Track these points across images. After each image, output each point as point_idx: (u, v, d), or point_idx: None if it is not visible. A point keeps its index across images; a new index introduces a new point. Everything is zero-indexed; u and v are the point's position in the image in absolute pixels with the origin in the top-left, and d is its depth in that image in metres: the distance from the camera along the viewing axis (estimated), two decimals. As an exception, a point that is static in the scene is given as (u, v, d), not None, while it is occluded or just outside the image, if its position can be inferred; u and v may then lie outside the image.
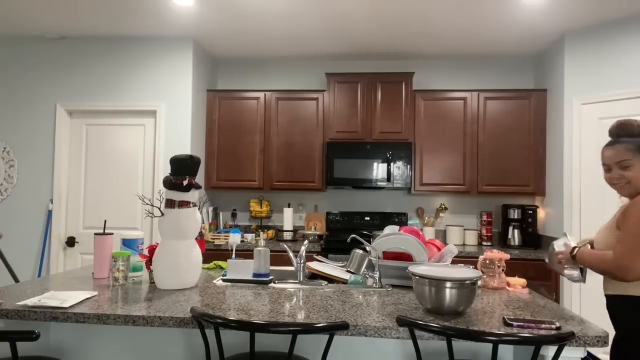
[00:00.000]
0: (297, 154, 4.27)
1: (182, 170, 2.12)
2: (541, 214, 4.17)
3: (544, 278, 3.66)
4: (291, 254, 2.34)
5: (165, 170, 4.02)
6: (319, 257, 2.69)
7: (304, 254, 2.31)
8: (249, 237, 4.17)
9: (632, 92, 3.39)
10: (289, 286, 2.20)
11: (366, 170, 4.12)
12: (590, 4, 3.26)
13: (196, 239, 2.21)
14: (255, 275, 2.26)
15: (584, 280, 1.88)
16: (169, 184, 2.12)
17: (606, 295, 1.88)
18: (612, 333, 1.85)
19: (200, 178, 4.24)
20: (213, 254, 3.88)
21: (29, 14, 3.62)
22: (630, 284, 1.75)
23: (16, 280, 3.23)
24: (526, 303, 1.94)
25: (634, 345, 1.72)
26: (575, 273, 1.88)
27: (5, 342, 1.46)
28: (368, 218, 4.44)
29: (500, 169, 4.09)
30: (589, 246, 1.96)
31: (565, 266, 1.88)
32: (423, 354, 1.92)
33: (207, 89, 4.44)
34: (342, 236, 4.12)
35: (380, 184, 4.10)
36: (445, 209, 4.37)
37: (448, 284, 1.66)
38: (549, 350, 1.50)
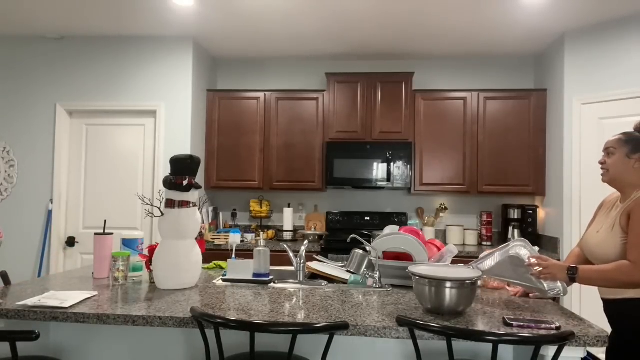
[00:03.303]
0: (297, 154, 4.27)
1: (182, 170, 2.12)
2: (541, 214, 4.17)
3: (544, 278, 3.66)
4: (291, 254, 2.34)
5: (165, 170, 4.02)
6: (319, 257, 2.69)
7: (304, 254, 2.31)
8: (249, 237, 4.17)
9: (632, 92, 3.39)
10: (289, 286, 2.20)
11: (366, 170, 4.11)
12: (590, 4, 3.26)
13: (196, 239, 2.21)
14: (255, 275, 2.26)
15: (566, 292, 1.83)
16: (169, 184, 2.12)
17: (605, 300, 1.87)
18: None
19: (200, 178, 4.24)
20: (213, 254, 3.88)
21: (29, 14, 3.62)
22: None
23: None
24: (526, 303, 1.94)
25: (636, 347, 1.73)
26: (558, 285, 1.80)
27: (5, 342, 1.46)
28: (368, 218, 4.44)
29: (500, 169, 4.09)
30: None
31: (542, 277, 1.80)
32: (423, 354, 1.92)
33: (207, 89, 4.44)
34: (342, 236, 4.12)
35: (380, 184, 4.10)
36: (445, 209, 4.37)
37: (448, 284, 1.66)
38: (549, 350, 1.50)
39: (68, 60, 4.12)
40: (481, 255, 2.02)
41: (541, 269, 1.80)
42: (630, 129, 2.03)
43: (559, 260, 3.67)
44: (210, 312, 1.69)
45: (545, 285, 1.82)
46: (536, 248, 1.92)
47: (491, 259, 1.97)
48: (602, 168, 1.90)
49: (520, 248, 1.89)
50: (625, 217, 1.76)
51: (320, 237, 4.17)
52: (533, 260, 1.83)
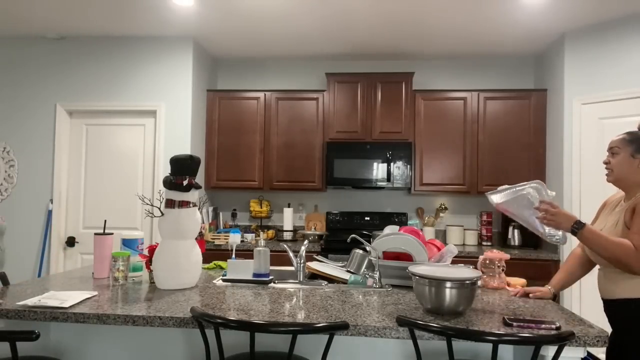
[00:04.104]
0: (297, 154, 4.27)
1: (182, 170, 2.12)
2: (541, 214, 4.16)
3: (544, 278, 3.65)
4: (291, 254, 2.34)
5: (165, 170, 4.02)
6: (319, 257, 2.69)
7: (304, 254, 2.31)
8: (249, 237, 4.17)
9: (632, 92, 3.39)
10: (289, 286, 2.20)
11: (366, 170, 4.11)
12: (590, 4, 3.26)
13: (196, 239, 2.21)
14: (255, 275, 2.26)
15: (565, 242, 1.81)
16: (169, 184, 2.12)
17: (605, 300, 1.87)
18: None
19: (200, 178, 4.24)
20: (213, 254, 3.88)
21: (29, 14, 3.62)
22: (632, 287, 1.75)
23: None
24: (526, 303, 1.94)
25: (636, 347, 1.73)
26: (559, 233, 1.80)
27: (5, 342, 1.46)
28: (368, 218, 4.44)
29: (500, 168, 4.09)
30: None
31: (545, 222, 1.78)
32: (423, 354, 1.92)
33: (207, 89, 4.44)
34: (342, 236, 4.12)
35: (380, 184, 4.10)
36: (445, 209, 4.37)
37: (448, 284, 1.66)
38: (549, 350, 1.49)
39: (68, 60, 4.12)
40: (499, 188, 1.99)
41: (547, 215, 1.77)
42: (631, 128, 2.04)
43: (559, 260, 3.67)
44: (210, 312, 1.69)
45: (547, 230, 1.82)
46: (552, 193, 1.89)
47: (504, 194, 1.94)
48: (606, 168, 1.89)
49: (534, 190, 1.88)
50: (629, 212, 1.76)
51: (320, 237, 4.17)
52: (543, 205, 1.80)
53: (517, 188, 1.92)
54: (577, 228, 1.72)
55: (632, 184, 1.83)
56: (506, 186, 1.98)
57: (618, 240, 1.70)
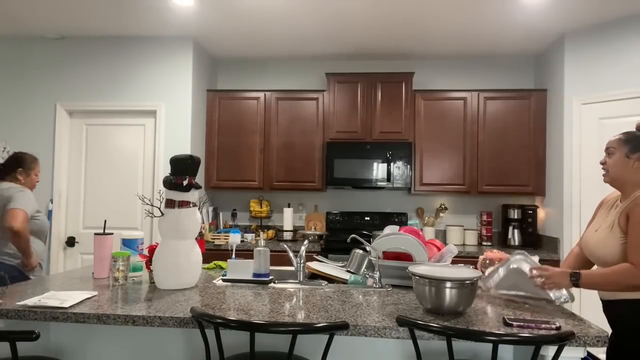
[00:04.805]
0: (297, 154, 4.27)
1: (182, 170, 2.12)
2: (541, 214, 4.17)
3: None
4: (291, 254, 2.34)
5: (165, 170, 4.02)
6: (319, 257, 2.69)
7: (304, 254, 2.31)
8: (249, 237, 4.17)
9: (632, 92, 3.39)
10: (289, 286, 2.20)
11: (366, 170, 4.11)
12: (590, 4, 3.26)
13: (196, 239, 2.21)
14: (255, 275, 2.26)
15: (573, 299, 1.81)
16: (169, 184, 2.12)
17: (604, 301, 1.87)
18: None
19: (200, 178, 4.24)
20: (213, 254, 3.88)
21: (29, 14, 3.62)
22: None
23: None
24: (526, 303, 1.93)
25: (636, 347, 1.73)
26: (564, 293, 1.80)
27: (5, 342, 1.46)
28: (368, 218, 4.44)
29: (500, 169, 4.09)
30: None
31: (545, 287, 1.79)
32: (423, 354, 1.92)
33: (207, 89, 4.43)
34: (342, 236, 4.12)
35: (380, 184, 4.10)
36: (445, 209, 4.37)
37: (448, 284, 1.66)
38: (549, 350, 1.50)
39: (68, 60, 4.12)
40: (487, 272, 2.03)
41: (544, 279, 1.78)
42: (630, 128, 2.04)
43: (559, 260, 3.67)
44: (210, 312, 1.69)
45: (552, 294, 1.81)
46: (536, 258, 1.91)
47: (496, 276, 1.97)
48: (602, 169, 1.90)
49: (521, 262, 1.89)
50: (624, 217, 1.76)
51: (320, 237, 4.17)
52: (535, 272, 1.81)
53: (505, 265, 1.95)
54: (575, 279, 1.73)
55: (628, 184, 1.83)
56: (490, 268, 2.02)
57: (617, 268, 1.70)
